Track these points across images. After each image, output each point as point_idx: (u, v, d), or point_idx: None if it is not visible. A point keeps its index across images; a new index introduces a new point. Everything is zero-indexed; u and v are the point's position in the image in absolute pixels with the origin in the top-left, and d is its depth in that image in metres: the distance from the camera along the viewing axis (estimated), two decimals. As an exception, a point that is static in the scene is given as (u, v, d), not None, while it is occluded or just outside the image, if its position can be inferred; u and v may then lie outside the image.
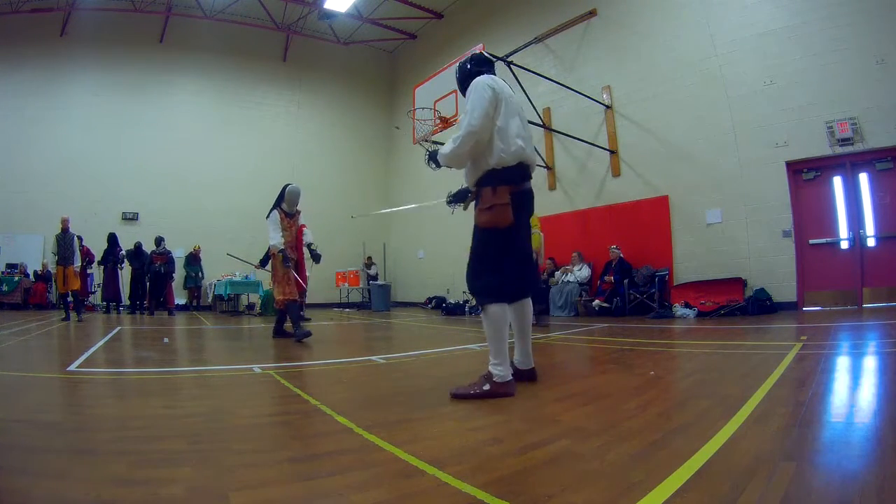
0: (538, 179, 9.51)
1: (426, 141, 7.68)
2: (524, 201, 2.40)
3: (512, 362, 2.46)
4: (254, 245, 9.93)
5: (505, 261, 2.32)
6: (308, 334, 4.74)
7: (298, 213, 5.25)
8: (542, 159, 9.72)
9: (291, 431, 1.74)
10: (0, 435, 1.62)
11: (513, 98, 2.42)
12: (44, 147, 11.66)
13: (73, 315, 7.70)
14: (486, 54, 2.70)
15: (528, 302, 2.47)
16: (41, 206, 11.18)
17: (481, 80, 2.36)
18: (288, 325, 5.22)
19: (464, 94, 2.48)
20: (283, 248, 4.88)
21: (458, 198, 2.69)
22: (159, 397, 2.18)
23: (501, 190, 2.28)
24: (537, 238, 6.02)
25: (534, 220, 6.10)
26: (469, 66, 2.60)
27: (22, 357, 3.86)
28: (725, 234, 7.32)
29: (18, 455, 1.42)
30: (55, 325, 6.78)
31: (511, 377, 2.23)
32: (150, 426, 1.79)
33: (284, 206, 5.05)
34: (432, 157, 2.58)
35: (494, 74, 2.56)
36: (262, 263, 8.47)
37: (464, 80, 2.56)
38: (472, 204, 2.48)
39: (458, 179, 2.57)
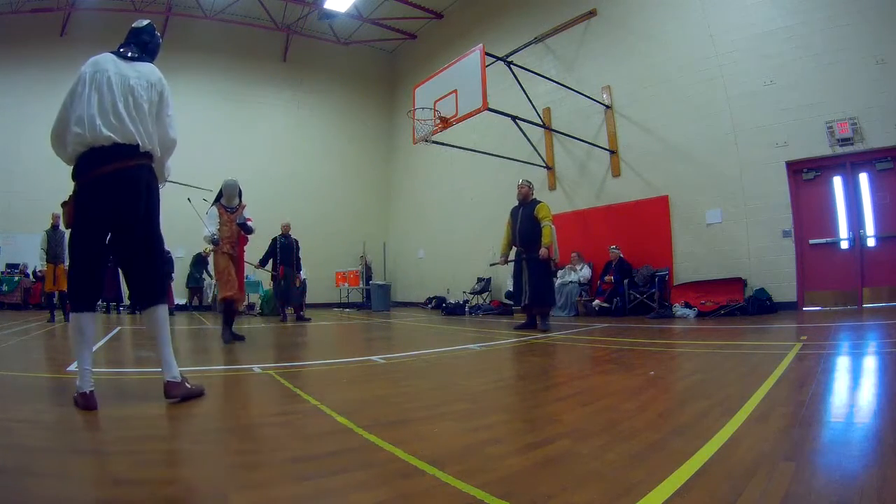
0: (539, 180, 9.64)
1: (426, 141, 7.68)
2: (99, 188, 2.01)
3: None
4: (253, 245, 9.90)
5: (77, 263, 2.07)
6: (240, 338, 4.72)
7: (242, 206, 5.16)
8: (543, 159, 9.72)
9: (291, 431, 1.74)
10: (0, 435, 1.62)
11: (103, 73, 2.07)
12: (44, 147, 11.51)
13: (58, 316, 7.55)
14: (137, 24, 2.35)
15: (154, 309, 2.22)
16: (41, 206, 11.10)
17: None
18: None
19: None
20: (214, 235, 4.82)
21: None
22: (159, 397, 2.18)
23: (74, 187, 2.05)
24: (548, 231, 5.56)
25: (545, 212, 5.65)
26: None
27: (22, 357, 3.86)
28: (725, 234, 7.31)
29: (18, 455, 1.42)
30: (56, 324, 6.77)
31: (87, 389, 1.97)
32: (150, 426, 1.79)
33: (223, 200, 5.05)
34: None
35: (126, 50, 2.25)
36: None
37: None
38: None
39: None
